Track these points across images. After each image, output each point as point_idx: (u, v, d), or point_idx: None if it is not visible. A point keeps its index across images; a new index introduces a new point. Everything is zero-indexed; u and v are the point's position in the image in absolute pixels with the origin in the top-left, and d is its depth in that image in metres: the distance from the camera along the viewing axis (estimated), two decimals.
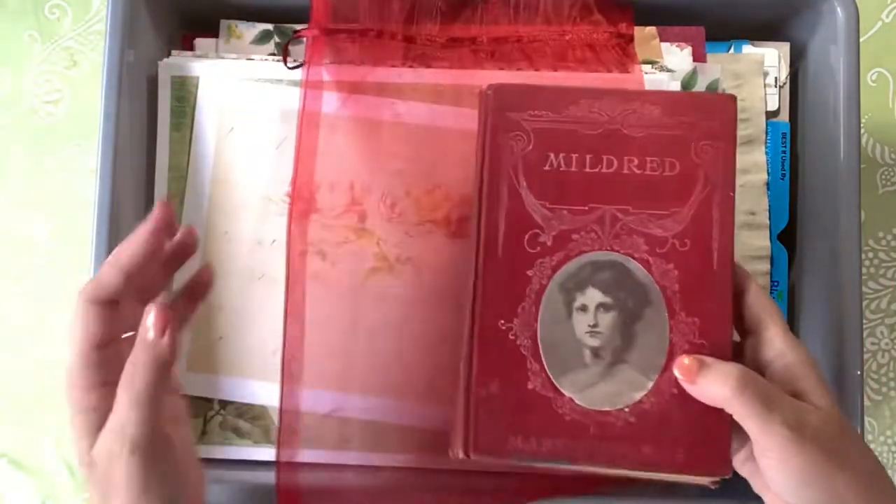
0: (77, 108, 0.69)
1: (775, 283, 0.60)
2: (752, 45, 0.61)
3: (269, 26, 0.59)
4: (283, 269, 0.56)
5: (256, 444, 0.56)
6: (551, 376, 0.44)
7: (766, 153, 0.59)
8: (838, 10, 0.56)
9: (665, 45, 0.58)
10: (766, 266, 0.59)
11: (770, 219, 0.59)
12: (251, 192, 0.57)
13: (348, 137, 0.56)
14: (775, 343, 0.44)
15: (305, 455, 0.55)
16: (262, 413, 0.56)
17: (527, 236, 0.45)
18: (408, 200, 0.56)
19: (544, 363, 0.44)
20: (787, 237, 0.60)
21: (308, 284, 0.55)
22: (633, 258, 0.45)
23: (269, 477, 0.55)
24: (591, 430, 0.43)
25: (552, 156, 0.45)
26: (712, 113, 0.46)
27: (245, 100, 0.56)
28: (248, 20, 0.59)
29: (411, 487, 0.55)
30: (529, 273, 0.45)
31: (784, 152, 0.60)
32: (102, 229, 0.54)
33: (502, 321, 0.45)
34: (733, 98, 0.46)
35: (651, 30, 0.58)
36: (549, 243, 0.45)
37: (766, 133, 0.59)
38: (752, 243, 0.59)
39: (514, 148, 0.46)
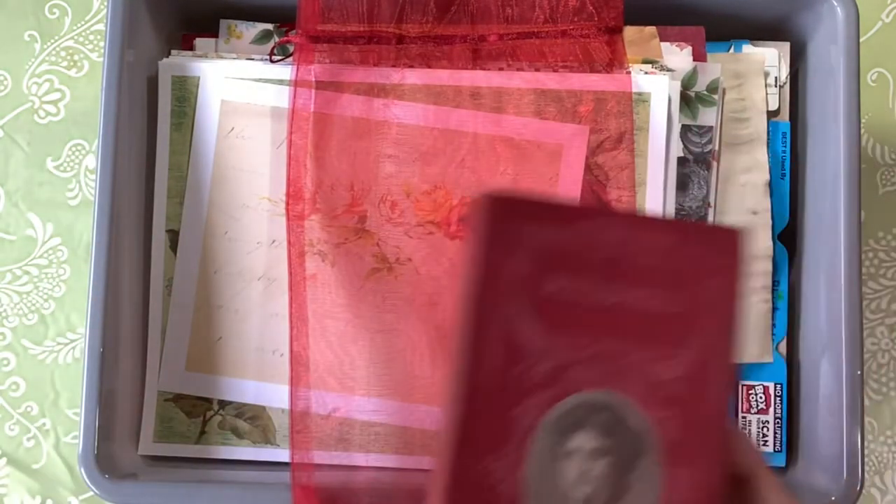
0: (77, 108, 0.69)
1: (775, 283, 0.60)
2: (752, 44, 0.61)
3: (269, 26, 0.59)
4: (283, 269, 0.56)
5: (255, 444, 0.56)
6: None
7: (767, 153, 0.59)
8: (838, 10, 0.56)
9: (665, 45, 0.58)
10: (767, 266, 0.59)
11: (772, 218, 0.59)
12: (251, 192, 0.57)
13: (347, 138, 0.56)
14: (770, 499, 0.42)
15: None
16: (261, 413, 0.56)
17: (516, 369, 0.39)
18: (408, 201, 0.56)
19: None
20: (787, 237, 0.60)
21: (308, 285, 0.55)
22: (630, 401, 0.40)
23: (268, 477, 0.55)
24: None
25: (550, 280, 0.40)
26: (720, 247, 0.41)
27: (245, 100, 0.56)
28: (248, 20, 0.59)
29: (413, 488, 0.55)
30: (517, 410, 0.39)
31: (784, 152, 0.60)
32: (102, 229, 0.54)
33: (483, 464, 0.39)
34: (741, 232, 0.42)
35: (651, 29, 0.58)
36: (540, 378, 0.39)
37: (767, 133, 0.59)
38: (754, 243, 0.59)
39: (510, 269, 0.39)
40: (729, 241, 0.42)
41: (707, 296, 0.41)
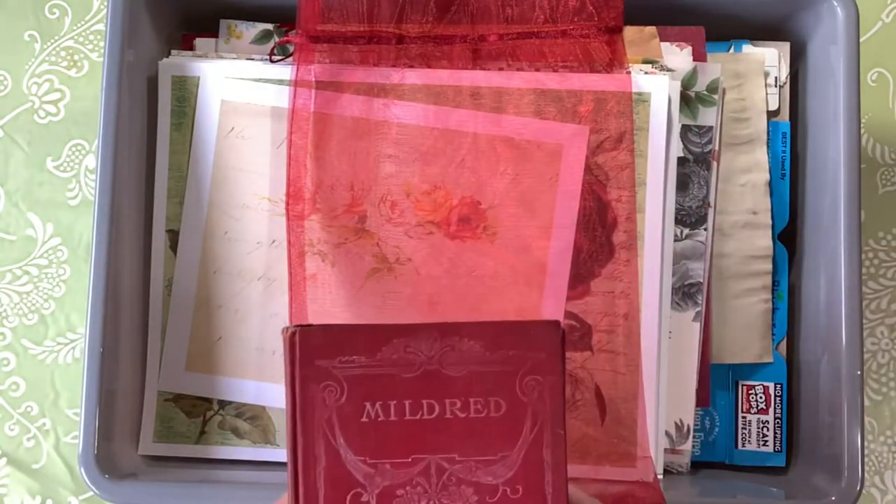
0: (77, 108, 0.69)
1: (775, 283, 0.60)
2: (752, 44, 0.61)
3: (269, 26, 0.59)
4: (283, 269, 0.56)
5: (255, 444, 0.57)
6: None
7: (767, 153, 0.59)
8: (838, 10, 0.56)
9: (665, 45, 0.58)
10: (767, 266, 0.59)
11: (772, 218, 0.59)
12: (251, 192, 0.57)
13: (347, 138, 0.56)
14: None
15: None
16: (261, 413, 0.56)
17: (349, 496, 0.40)
18: (408, 201, 0.56)
19: None
20: (787, 237, 0.60)
21: (308, 285, 0.55)
22: None
23: (267, 477, 0.55)
24: None
25: (368, 405, 0.41)
26: (537, 344, 0.42)
27: (245, 100, 0.56)
28: (248, 20, 0.59)
29: None
30: None
31: (784, 152, 0.60)
32: (102, 229, 0.54)
33: None
34: (557, 325, 0.42)
35: (651, 29, 0.58)
36: (372, 502, 0.41)
37: (767, 133, 0.59)
38: (754, 243, 0.59)
39: (327, 400, 0.41)
40: (545, 335, 0.42)
41: (529, 395, 0.41)
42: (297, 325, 0.41)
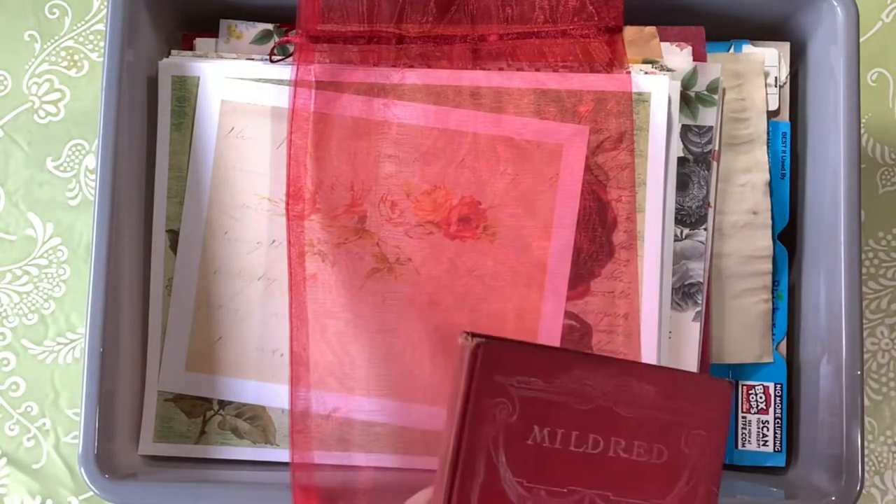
0: (77, 108, 0.69)
1: (775, 283, 0.60)
2: (752, 44, 0.61)
3: (269, 26, 0.59)
4: (283, 269, 0.56)
5: (255, 444, 0.56)
6: None
7: (767, 153, 0.59)
8: (838, 10, 0.56)
9: (665, 45, 0.58)
10: (767, 266, 0.59)
11: (772, 218, 0.59)
12: (251, 192, 0.57)
13: (347, 138, 0.56)
14: None
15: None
16: (261, 413, 0.56)
17: None
18: (408, 201, 0.56)
19: None
20: (787, 237, 0.60)
21: (308, 285, 0.55)
22: None
23: (268, 477, 0.55)
24: None
25: (536, 429, 0.41)
26: (709, 400, 0.42)
27: (245, 100, 0.56)
28: (248, 20, 0.59)
29: (413, 488, 0.54)
30: None
31: (784, 152, 0.60)
32: (102, 229, 0.54)
33: None
34: (731, 385, 0.43)
35: (651, 29, 0.58)
36: None
37: (767, 133, 0.59)
38: (754, 243, 0.59)
39: (497, 416, 0.41)
40: (719, 394, 0.43)
41: (692, 448, 0.42)
42: (481, 336, 0.40)
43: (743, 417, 0.60)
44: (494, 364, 0.40)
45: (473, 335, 0.40)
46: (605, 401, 0.41)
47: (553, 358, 0.42)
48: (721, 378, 0.43)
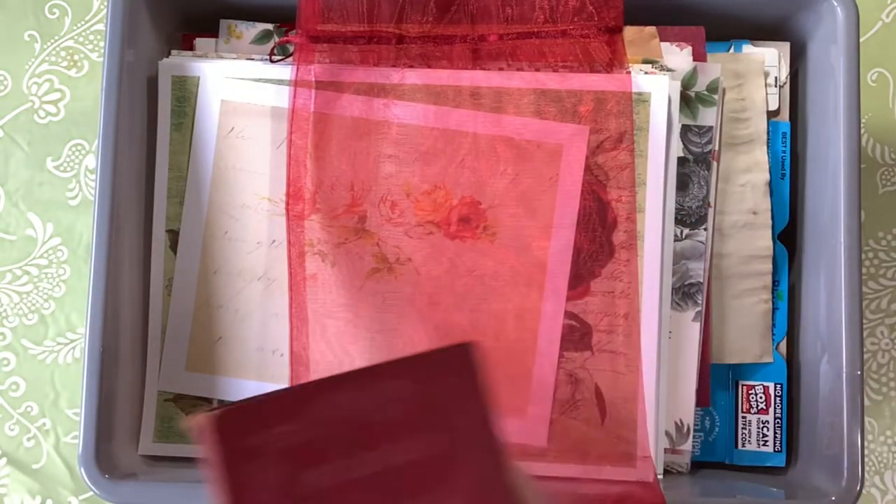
0: (77, 108, 0.69)
1: (775, 283, 0.60)
2: (752, 44, 0.61)
3: (269, 26, 0.59)
4: (283, 269, 0.56)
5: None
6: None
7: (767, 153, 0.59)
8: (838, 10, 0.56)
9: (665, 45, 0.58)
10: (767, 266, 0.59)
11: (772, 218, 0.59)
12: (251, 192, 0.57)
13: (347, 138, 0.56)
14: None
15: None
16: None
17: None
18: (408, 201, 0.56)
19: None
20: (787, 237, 0.60)
21: (308, 285, 0.55)
22: None
23: None
24: None
25: (306, 474, 0.38)
26: (459, 368, 0.40)
27: (245, 100, 0.56)
28: (248, 20, 0.59)
29: None
30: None
31: (784, 152, 0.60)
32: (102, 229, 0.54)
33: None
34: (470, 345, 0.41)
35: (651, 29, 0.58)
36: None
37: (767, 133, 0.59)
38: (754, 243, 0.59)
39: (263, 479, 0.37)
40: (461, 357, 0.40)
41: (461, 422, 0.40)
42: (209, 409, 0.37)
43: (743, 417, 0.60)
44: (236, 430, 0.37)
45: (209, 410, 0.38)
46: (364, 414, 0.39)
47: (292, 398, 0.39)
48: (458, 343, 0.41)
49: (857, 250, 0.54)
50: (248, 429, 0.38)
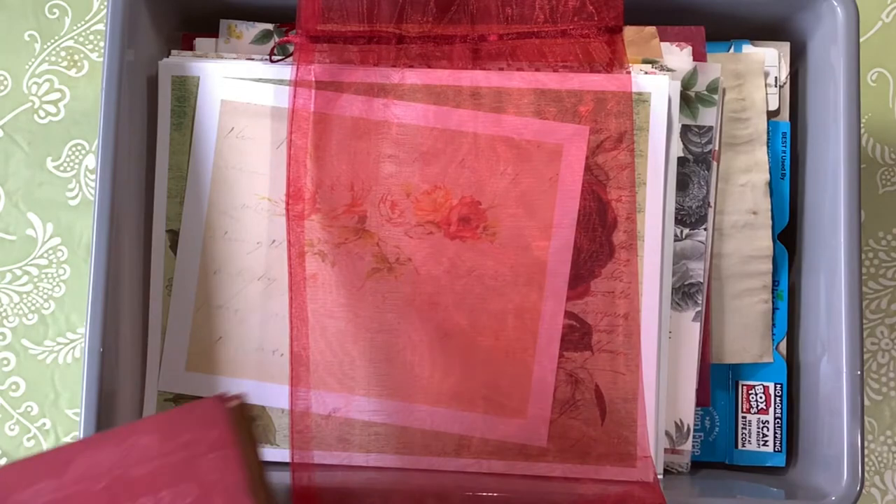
0: (77, 108, 0.69)
1: (775, 283, 0.60)
2: (752, 44, 0.61)
3: (269, 26, 0.59)
4: (283, 269, 0.56)
5: None
6: None
7: (767, 153, 0.59)
8: (838, 10, 0.56)
9: (665, 45, 0.58)
10: (767, 266, 0.59)
11: (772, 218, 0.59)
12: (251, 192, 0.57)
13: (347, 138, 0.56)
14: None
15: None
16: (261, 413, 0.56)
17: None
18: (408, 201, 0.56)
19: None
20: (787, 237, 0.60)
21: (308, 285, 0.55)
22: None
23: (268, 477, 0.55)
24: None
25: None
26: (207, 422, 0.43)
27: (245, 100, 0.56)
28: (248, 20, 0.59)
29: (413, 488, 0.54)
30: None
31: (784, 152, 0.60)
32: (102, 229, 0.54)
33: None
34: (220, 399, 0.44)
35: (651, 29, 0.58)
36: None
37: (767, 133, 0.59)
38: (754, 243, 0.59)
39: None
40: (210, 412, 0.43)
41: (212, 472, 0.42)
42: None
43: (743, 417, 0.60)
44: (4, 489, 0.41)
45: None
46: (116, 470, 0.42)
47: (54, 457, 0.42)
48: (209, 398, 0.44)
49: (857, 250, 0.54)
50: (16, 486, 0.41)
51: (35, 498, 0.41)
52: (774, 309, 0.60)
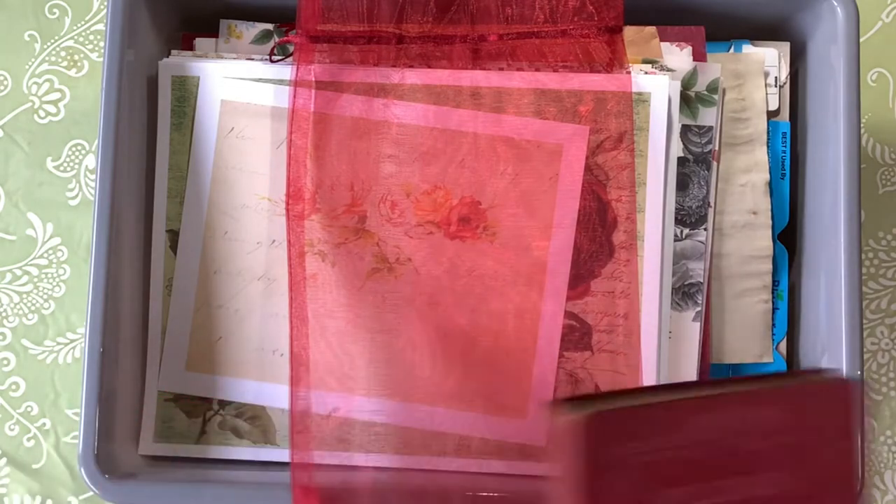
0: (77, 108, 0.69)
1: (775, 283, 0.60)
2: (752, 44, 0.61)
3: (269, 26, 0.59)
4: (283, 269, 0.56)
5: (255, 444, 0.56)
6: None
7: (767, 153, 0.59)
8: (838, 10, 0.56)
9: (665, 45, 0.58)
10: (767, 266, 0.59)
11: (772, 218, 0.59)
12: (251, 192, 0.57)
13: (347, 138, 0.56)
14: None
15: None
16: (261, 413, 0.56)
17: None
18: (408, 201, 0.56)
19: None
20: (787, 237, 0.60)
21: (308, 285, 0.55)
22: None
23: (268, 477, 0.55)
24: None
25: (662, 493, 0.36)
26: (831, 407, 0.38)
27: (245, 100, 0.56)
28: (248, 20, 0.59)
29: (413, 488, 0.55)
30: None
31: (784, 152, 0.60)
32: (102, 229, 0.54)
33: None
34: (851, 383, 0.38)
35: (651, 29, 0.58)
36: None
37: (767, 133, 0.59)
38: (754, 243, 0.59)
39: (617, 491, 0.36)
40: (840, 393, 0.38)
41: (826, 464, 0.37)
42: (579, 401, 0.35)
43: None
44: (605, 437, 0.36)
45: (571, 402, 0.35)
46: (730, 440, 0.37)
47: (666, 411, 0.37)
48: (835, 376, 0.39)
49: (857, 250, 0.54)
50: (619, 435, 0.36)
51: (639, 454, 0.36)
52: (774, 309, 0.60)
